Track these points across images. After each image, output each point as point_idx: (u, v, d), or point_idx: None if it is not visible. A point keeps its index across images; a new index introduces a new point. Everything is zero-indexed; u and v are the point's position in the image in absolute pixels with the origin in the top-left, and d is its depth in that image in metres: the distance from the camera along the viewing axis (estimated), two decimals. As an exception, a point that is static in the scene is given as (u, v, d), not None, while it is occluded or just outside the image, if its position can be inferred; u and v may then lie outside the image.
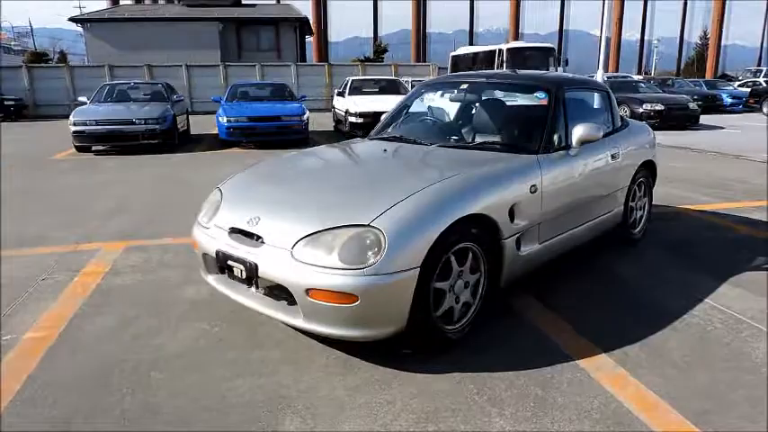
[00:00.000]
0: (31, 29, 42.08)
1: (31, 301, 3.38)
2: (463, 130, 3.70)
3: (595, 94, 4.09)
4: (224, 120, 10.95)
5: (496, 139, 3.48)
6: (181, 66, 23.88)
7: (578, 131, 3.31)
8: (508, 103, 3.79)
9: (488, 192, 2.76)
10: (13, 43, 38.98)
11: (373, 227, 2.39)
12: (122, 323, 3.06)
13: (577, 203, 3.43)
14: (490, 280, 2.88)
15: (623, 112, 15.09)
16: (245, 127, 10.95)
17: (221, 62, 25.14)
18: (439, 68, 27.91)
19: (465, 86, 4.03)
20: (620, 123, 4.12)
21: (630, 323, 2.99)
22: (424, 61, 37.36)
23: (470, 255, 2.71)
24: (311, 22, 38.18)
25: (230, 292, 2.79)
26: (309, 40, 41.08)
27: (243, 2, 32.68)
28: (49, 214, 5.65)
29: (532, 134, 3.33)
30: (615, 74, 24.10)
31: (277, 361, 2.63)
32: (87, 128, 10.37)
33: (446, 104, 4.02)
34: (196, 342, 2.85)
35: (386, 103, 10.47)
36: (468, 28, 47.84)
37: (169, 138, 10.96)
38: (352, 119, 12.00)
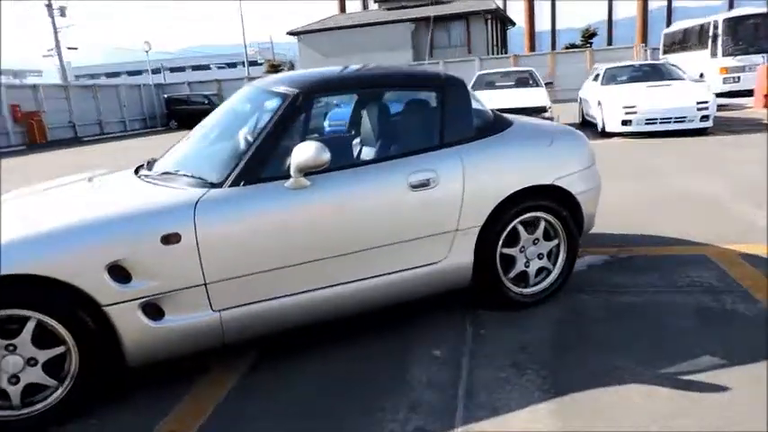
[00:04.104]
0: (272, 44, 49.28)
1: None
2: (197, 154, 2.87)
3: (412, 94, 2.81)
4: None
5: (193, 168, 2.57)
6: (368, 68, 24.98)
7: (294, 156, 2.29)
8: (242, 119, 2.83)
9: (47, 245, 2.05)
10: (258, 57, 46.05)
11: None
12: None
13: (308, 254, 2.37)
14: (101, 359, 2.16)
15: None
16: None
17: (411, 62, 25.59)
18: (651, 50, 23.99)
19: (245, 93, 3.09)
20: (470, 133, 2.68)
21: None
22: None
23: (30, 327, 2.05)
24: (524, 10, 36.34)
25: None
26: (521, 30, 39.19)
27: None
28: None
29: (220, 159, 2.42)
30: None
31: None
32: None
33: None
34: None
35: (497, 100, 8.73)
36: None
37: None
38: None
